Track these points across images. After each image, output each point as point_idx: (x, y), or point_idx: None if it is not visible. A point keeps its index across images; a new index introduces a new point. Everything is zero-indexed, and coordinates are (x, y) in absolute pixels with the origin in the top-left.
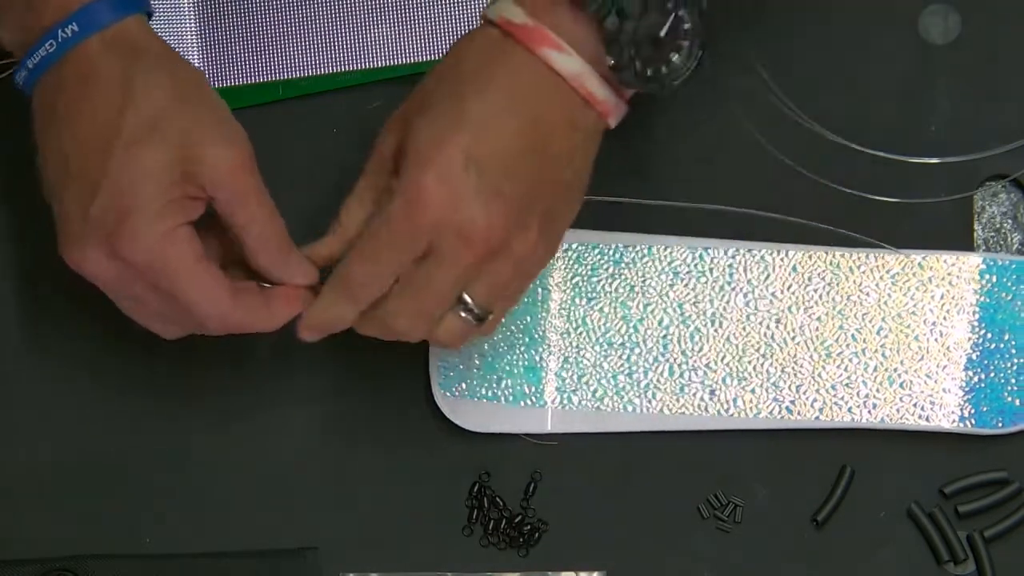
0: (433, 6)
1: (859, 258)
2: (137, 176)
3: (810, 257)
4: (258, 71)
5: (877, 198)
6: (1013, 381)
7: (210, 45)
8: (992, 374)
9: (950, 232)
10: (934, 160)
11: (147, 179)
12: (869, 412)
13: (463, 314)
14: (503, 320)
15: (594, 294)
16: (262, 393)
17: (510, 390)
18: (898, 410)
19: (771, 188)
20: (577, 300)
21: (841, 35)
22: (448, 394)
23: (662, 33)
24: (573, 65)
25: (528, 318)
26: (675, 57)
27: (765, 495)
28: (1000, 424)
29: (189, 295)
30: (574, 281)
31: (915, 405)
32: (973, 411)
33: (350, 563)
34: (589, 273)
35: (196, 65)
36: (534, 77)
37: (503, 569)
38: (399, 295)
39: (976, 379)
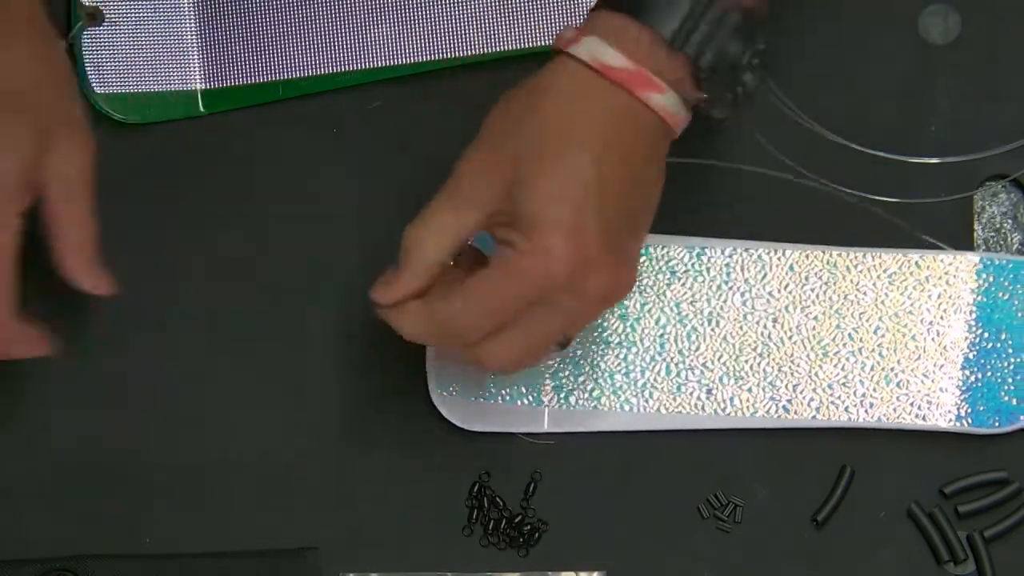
0: (433, 6)
1: (856, 257)
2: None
3: (807, 256)
4: (258, 71)
5: (877, 198)
6: (1010, 380)
7: (210, 45)
8: (989, 373)
9: (950, 232)
10: (934, 160)
11: (9, 151)
12: (866, 411)
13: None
14: None
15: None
16: (262, 393)
17: (507, 390)
18: (895, 409)
19: (771, 188)
20: None
21: (841, 35)
22: (445, 394)
23: (745, 61)
24: (671, 104)
25: None
26: (749, 79)
27: (765, 495)
28: (997, 424)
29: None
30: None
31: (912, 404)
32: (970, 410)
33: (350, 563)
34: None
35: (196, 65)
36: (634, 120)
37: (503, 569)
38: (506, 337)
39: (973, 378)
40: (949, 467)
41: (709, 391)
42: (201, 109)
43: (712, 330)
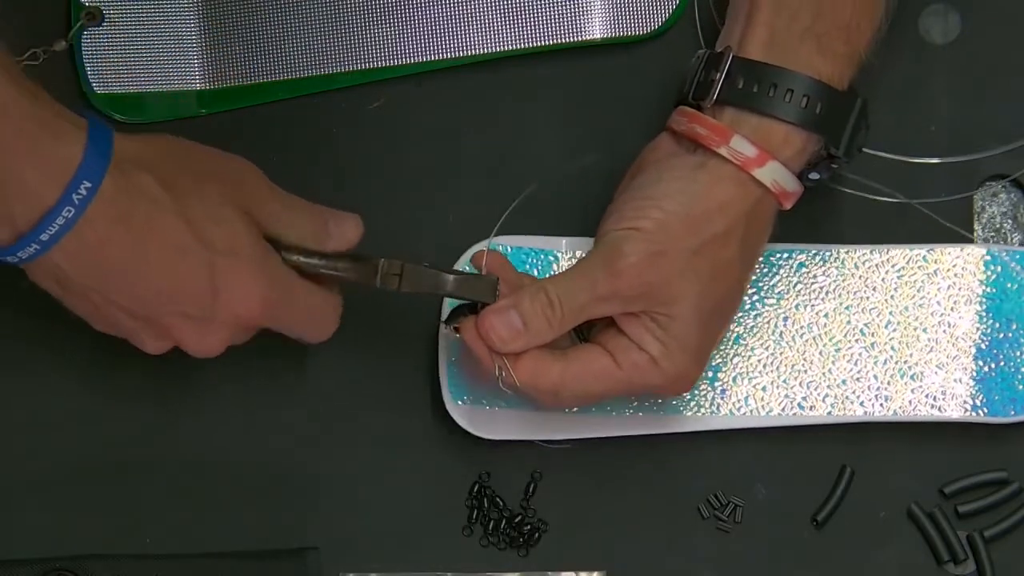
0: (433, 6)
1: (864, 254)
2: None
3: (815, 256)
4: (258, 71)
5: (877, 198)
6: (1023, 369)
7: (211, 45)
8: (1002, 363)
9: (950, 232)
10: (934, 160)
11: (243, 236)
12: (881, 406)
13: None
14: None
15: None
16: (262, 393)
17: (521, 396)
18: (910, 402)
19: None
20: None
21: None
22: (460, 403)
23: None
24: (790, 183)
25: None
26: (861, 137)
27: (765, 495)
28: (1013, 412)
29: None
30: None
31: (927, 397)
32: (985, 400)
33: (350, 563)
34: None
35: (196, 65)
36: (763, 214)
37: (503, 569)
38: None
39: (987, 368)
40: (949, 467)
41: (723, 392)
42: (201, 109)
43: None
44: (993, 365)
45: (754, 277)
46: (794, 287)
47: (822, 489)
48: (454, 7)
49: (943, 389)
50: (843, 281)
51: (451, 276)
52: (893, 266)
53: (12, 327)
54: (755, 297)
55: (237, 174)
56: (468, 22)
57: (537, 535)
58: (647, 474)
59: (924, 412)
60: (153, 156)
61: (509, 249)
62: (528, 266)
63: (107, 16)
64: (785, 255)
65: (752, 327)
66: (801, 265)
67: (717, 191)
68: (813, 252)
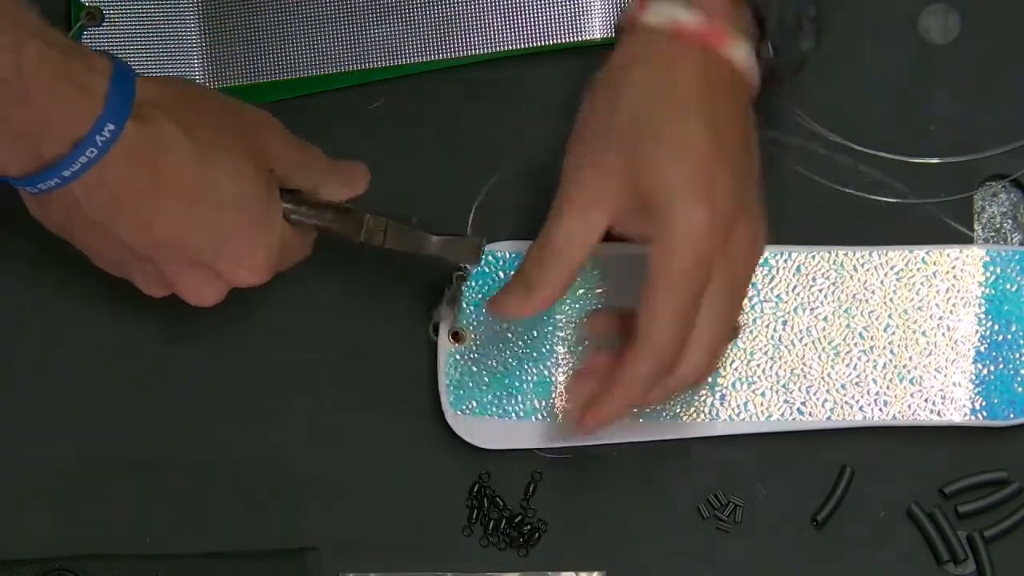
0: (433, 6)
1: (862, 256)
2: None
3: (813, 257)
4: (258, 71)
5: (877, 198)
6: (1022, 372)
7: (211, 45)
8: (1001, 365)
9: (950, 232)
10: (934, 160)
11: (253, 194)
12: (880, 410)
13: None
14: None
15: (599, 305)
16: (262, 393)
17: (521, 406)
18: (909, 406)
19: (771, 189)
20: (583, 312)
21: (841, 35)
22: (459, 413)
23: (803, 22)
24: (748, 57)
25: (535, 332)
26: (806, 43)
27: (765, 495)
28: (1012, 415)
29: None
30: (579, 293)
31: (926, 401)
32: (984, 403)
33: (350, 563)
34: (594, 284)
35: (196, 65)
36: (720, 76)
37: (503, 569)
38: (696, 341)
39: (986, 371)
40: (949, 467)
41: (723, 397)
42: None
43: None
44: (992, 368)
45: (752, 280)
46: (792, 290)
47: (822, 489)
48: (454, 7)
49: (942, 393)
50: (841, 283)
51: (435, 237)
52: (892, 268)
53: (12, 327)
54: (753, 300)
55: (254, 125)
56: (468, 22)
57: (537, 535)
58: (647, 474)
59: (923, 416)
60: (175, 102)
61: (508, 255)
62: None
63: (107, 16)
64: (783, 257)
65: (750, 331)
66: (799, 267)
67: (620, 54)
68: (810, 254)
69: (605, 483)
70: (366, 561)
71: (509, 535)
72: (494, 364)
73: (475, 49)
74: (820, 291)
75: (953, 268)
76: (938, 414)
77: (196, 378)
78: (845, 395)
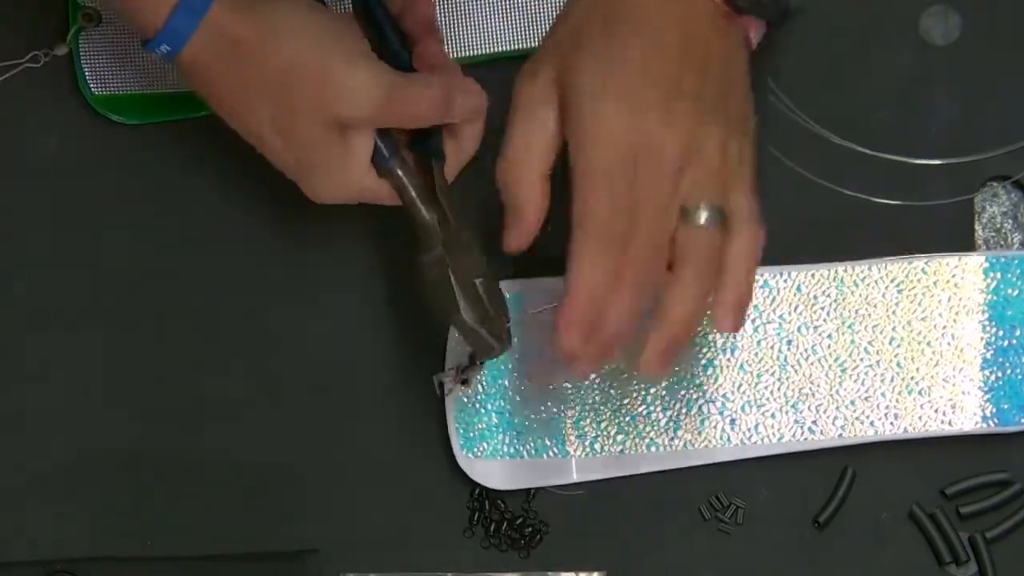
0: (433, 6)
1: (862, 271)
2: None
3: (812, 275)
4: None
5: (878, 200)
6: None
7: None
8: (1009, 371)
9: (951, 233)
10: (935, 161)
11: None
12: (892, 423)
13: (701, 222)
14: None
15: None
16: (263, 394)
17: (531, 444)
18: (920, 418)
19: (771, 190)
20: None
21: (841, 35)
22: (470, 455)
23: None
24: None
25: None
26: None
27: (767, 496)
28: (1022, 421)
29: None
30: None
31: (936, 411)
32: (995, 410)
33: (350, 564)
34: None
35: None
36: (694, 10)
37: (504, 570)
38: (681, 277)
39: (994, 378)
40: (950, 468)
41: (733, 422)
42: (201, 110)
43: (727, 359)
44: (1000, 374)
45: (754, 302)
46: (795, 309)
47: (824, 490)
48: (454, 7)
49: (952, 402)
50: (843, 300)
51: (468, 320)
52: (892, 280)
53: (12, 327)
54: (756, 322)
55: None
56: (468, 22)
57: (538, 536)
58: (648, 475)
59: (935, 427)
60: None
61: (507, 295)
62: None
63: (105, 17)
64: (782, 277)
65: (756, 353)
66: (799, 287)
67: None
68: (810, 272)
69: (605, 484)
70: (366, 562)
71: (510, 537)
72: (502, 404)
73: (475, 49)
74: (822, 309)
75: (953, 276)
76: (949, 424)
77: (197, 381)
78: (855, 411)
